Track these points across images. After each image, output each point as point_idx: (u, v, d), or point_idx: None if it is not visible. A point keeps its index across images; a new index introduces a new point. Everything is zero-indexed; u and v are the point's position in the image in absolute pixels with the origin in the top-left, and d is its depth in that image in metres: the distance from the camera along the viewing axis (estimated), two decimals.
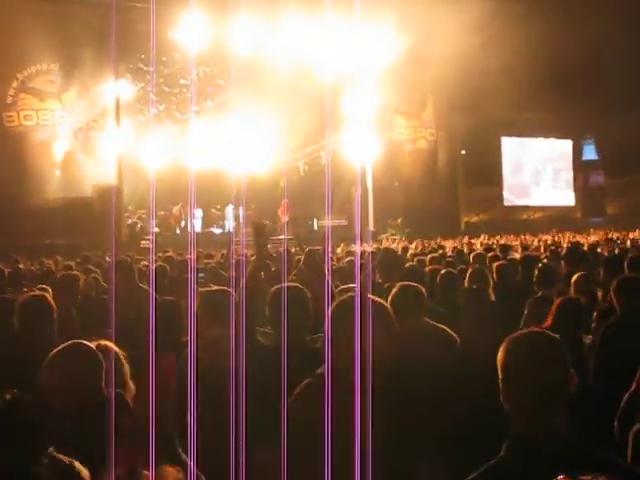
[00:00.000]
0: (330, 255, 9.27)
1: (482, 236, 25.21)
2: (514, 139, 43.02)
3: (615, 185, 42.58)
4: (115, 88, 29.74)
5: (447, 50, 28.63)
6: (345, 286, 5.83)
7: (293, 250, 12.09)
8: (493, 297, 7.64)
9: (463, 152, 38.11)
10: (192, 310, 5.08)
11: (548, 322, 5.92)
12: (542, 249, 16.86)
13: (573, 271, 8.87)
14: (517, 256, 13.15)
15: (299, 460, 3.41)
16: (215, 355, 4.57)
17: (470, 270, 8.35)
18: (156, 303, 6.81)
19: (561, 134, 44.13)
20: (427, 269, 9.59)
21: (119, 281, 8.43)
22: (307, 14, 28.85)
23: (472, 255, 11.78)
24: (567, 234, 26.60)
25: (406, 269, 9.11)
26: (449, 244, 21.99)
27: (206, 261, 13.44)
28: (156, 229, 29.11)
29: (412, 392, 3.47)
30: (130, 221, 30.79)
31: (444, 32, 28.02)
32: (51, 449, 3.01)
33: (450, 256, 13.53)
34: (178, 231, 31.79)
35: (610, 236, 22.75)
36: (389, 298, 5.13)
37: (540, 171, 43.75)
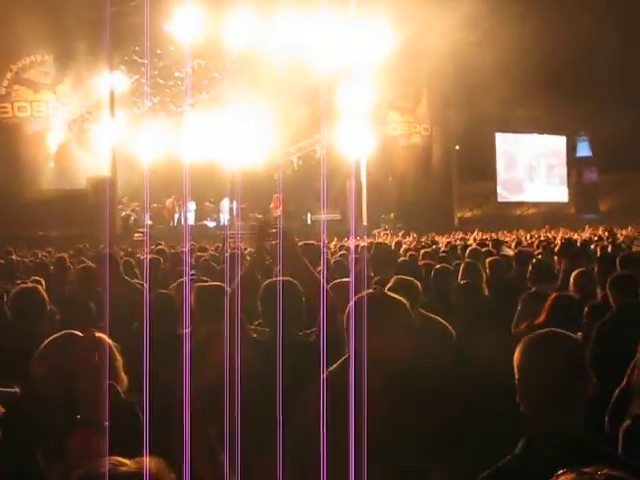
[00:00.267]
0: (324, 249, 9.27)
1: (475, 231, 25.22)
2: (508, 135, 43.05)
3: (608, 182, 42.62)
4: (109, 80, 29.68)
5: (442, 46, 28.63)
6: (338, 280, 5.81)
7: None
8: (487, 292, 7.66)
9: (457, 148, 38.12)
10: (187, 303, 5.08)
11: (541, 318, 5.93)
12: (535, 245, 16.85)
13: (567, 267, 8.89)
14: (510, 252, 13.17)
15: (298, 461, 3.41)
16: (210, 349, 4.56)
17: (463, 265, 8.36)
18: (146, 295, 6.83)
19: (555, 131, 44.16)
20: (420, 264, 9.60)
21: (103, 273, 8.48)
22: (302, 8, 28.82)
23: (466, 250, 11.77)
24: (561, 230, 26.63)
25: (399, 264, 9.12)
26: (443, 239, 21.98)
27: (199, 254, 13.41)
28: (149, 222, 29.10)
29: (410, 388, 3.46)
30: (124, 213, 30.75)
31: (439, 28, 27.99)
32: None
33: (444, 251, 13.54)
34: (172, 224, 31.76)
35: (603, 232, 22.75)
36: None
37: (534, 167, 43.80)
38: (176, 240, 20.75)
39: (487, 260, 9.22)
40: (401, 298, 3.55)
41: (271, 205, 32.85)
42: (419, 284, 5.87)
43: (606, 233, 21.75)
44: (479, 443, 3.43)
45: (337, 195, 32.52)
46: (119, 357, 4.39)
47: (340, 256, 11.26)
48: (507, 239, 20.16)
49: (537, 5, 30.17)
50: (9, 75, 28.74)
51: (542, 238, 20.71)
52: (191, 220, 31.12)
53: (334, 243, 19.35)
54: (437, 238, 22.71)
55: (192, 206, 31.37)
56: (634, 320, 5.75)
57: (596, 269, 8.25)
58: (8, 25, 27.33)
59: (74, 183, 28.83)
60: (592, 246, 14.36)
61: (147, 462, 2.05)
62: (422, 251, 12.47)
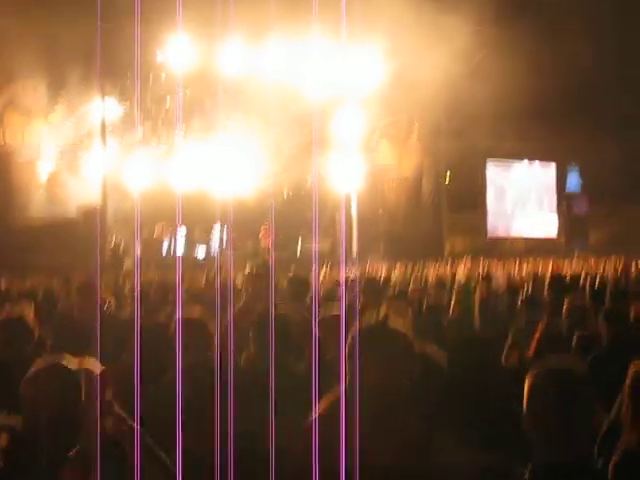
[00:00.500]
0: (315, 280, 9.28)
1: (465, 260, 25.19)
2: (498, 166, 43.15)
3: (599, 213, 42.71)
4: (101, 108, 29.70)
5: (434, 77, 28.79)
6: (328, 315, 5.80)
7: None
8: (477, 324, 7.66)
9: (448, 177, 38.18)
10: (179, 334, 5.07)
11: (531, 350, 5.94)
12: (525, 276, 16.88)
13: (556, 299, 8.89)
14: (501, 284, 13.18)
15: None
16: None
17: (454, 299, 8.37)
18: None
19: (545, 161, 44.32)
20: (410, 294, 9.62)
21: (82, 303, 8.46)
22: (294, 37, 28.96)
23: (456, 283, 11.78)
24: (550, 262, 26.65)
25: (389, 297, 9.13)
26: (432, 271, 21.99)
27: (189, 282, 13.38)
28: (139, 250, 29.03)
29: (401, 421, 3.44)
30: (113, 242, 30.67)
31: (431, 59, 28.17)
32: None
33: (432, 281, 13.55)
34: (161, 253, 31.69)
35: (593, 264, 22.81)
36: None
37: (524, 198, 43.88)
38: (165, 269, 20.72)
39: (477, 293, 9.25)
40: (401, 328, 3.54)
41: (260, 235, 32.82)
42: (410, 311, 5.89)
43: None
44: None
45: (327, 225, 32.55)
46: (109, 384, 4.38)
47: (328, 287, 11.26)
48: (497, 269, 20.18)
49: (529, 38, 30.35)
50: (0, 101, 28.73)
51: (532, 269, 20.76)
52: (180, 248, 31.04)
53: (323, 274, 19.32)
54: (427, 269, 22.71)
55: (182, 231, 31.30)
56: (626, 353, 5.75)
57: (588, 301, 8.27)
58: (0, 51, 27.39)
59: (64, 211, 28.77)
60: (582, 278, 14.38)
61: None
62: (412, 281, 12.50)
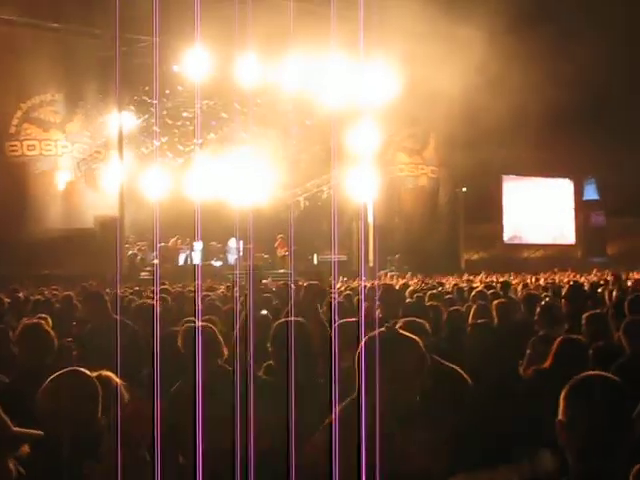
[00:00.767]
0: (334, 290, 9.28)
1: (482, 274, 25.16)
2: (515, 177, 43.12)
3: (616, 225, 42.59)
4: (118, 120, 29.83)
5: (450, 88, 28.77)
6: (343, 320, 5.80)
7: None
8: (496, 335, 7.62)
9: (464, 190, 38.15)
10: (198, 339, 5.08)
11: (548, 362, 5.89)
12: (543, 288, 16.81)
13: (574, 311, 8.84)
14: (518, 294, 13.13)
15: None
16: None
17: (474, 307, 8.33)
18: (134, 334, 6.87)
19: (562, 173, 44.25)
20: (427, 305, 9.59)
21: (90, 312, 8.48)
22: (311, 49, 29.01)
23: (473, 293, 11.74)
24: (568, 273, 26.57)
25: (406, 305, 9.10)
26: (449, 281, 21.94)
27: (205, 293, 13.38)
28: (156, 261, 29.09)
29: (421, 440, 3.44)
30: (130, 252, 30.74)
31: (448, 71, 28.17)
32: None
33: (449, 293, 13.51)
34: (178, 263, 31.72)
35: (610, 276, 22.67)
36: None
37: (541, 210, 43.77)
38: (182, 280, 20.77)
39: (494, 303, 9.18)
40: (414, 336, 3.54)
41: (275, 245, 32.84)
42: (428, 325, 5.85)
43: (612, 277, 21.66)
44: None
45: (343, 236, 32.54)
46: (127, 395, 4.40)
47: (345, 297, 11.24)
48: (514, 282, 20.09)
49: (545, 48, 30.34)
50: (19, 114, 28.90)
51: (549, 281, 20.67)
52: (198, 260, 31.07)
53: (340, 284, 19.31)
54: (443, 280, 22.67)
55: (199, 246, 31.32)
56: None
57: (609, 313, 8.23)
58: (18, 64, 27.58)
59: (82, 222, 28.92)
60: (600, 290, 14.33)
61: None
62: (429, 293, 12.46)
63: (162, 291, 12.76)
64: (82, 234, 28.14)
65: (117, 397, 4.16)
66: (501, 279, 21.15)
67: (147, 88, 30.17)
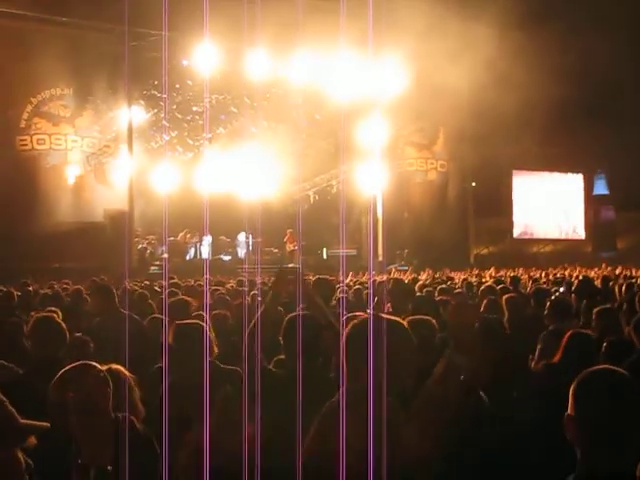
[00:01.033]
0: (343, 284, 9.28)
1: (492, 268, 25.11)
2: (525, 172, 43.06)
3: (626, 220, 42.50)
4: (128, 114, 29.87)
5: (459, 83, 28.74)
6: (352, 314, 5.82)
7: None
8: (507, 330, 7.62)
9: (474, 184, 38.12)
10: (207, 334, 5.09)
11: (558, 356, 5.88)
12: (552, 282, 16.78)
13: (585, 305, 8.84)
14: (528, 289, 13.11)
15: None
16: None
17: (485, 302, 8.32)
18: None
19: (572, 168, 44.17)
20: (437, 299, 9.60)
21: (98, 304, 8.51)
22: (320, 43, 28.98)
23: (483, 287, 11.73)
24: (578, 268, 26.51)
25: (416, 299, 9.10)
26: (458, 276, 21.91)
27: (215, 287, 13.40)
28: (165, 255, 29.16)
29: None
30: (140, 246, 30.81)
31: (457, 65, 28.13)
32: None
33: (460, 288, 13.51)
34: (188, 257, 31.79)
35: (621, 271, 22.62)
36: None
37: (551, 204, 43.70)
38: (191, 274, 20.81)
39: (504, 297, 9.18)
40: (398, 319, 3.56)
41: (285, 239, 32.87)
42: (434, 322, 5.87)
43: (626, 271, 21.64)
44: None
45: (353, 230, 32.56)
46: (136, 389, 4.42)
47: (355, 291, 11.24)
48: (523, 276, 20.06)
49: (554, 43, 30.25)
50: (29, 108, 28.95)
51: (559, 276, 20.64)
52: (206, 254, 31.12)
53: (350, 278, 19.31)
54: (452, 274, 22.64)
55: (208, 240, 31.37)
56: None
57: (624, 307, 8.22)
58: (28, 59, 27.61)
59: (91, 216, 29.00)
60: (611, 284, 14.30)
61: None
62: (438, 287, 12.47)
63: (172, 285, 12.79)
64: (92, 228, 28.22)
65: (126, 391, 4.18)
66: (511, 274, 21.14)
67: (157, 82, 30.20)
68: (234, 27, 25.13)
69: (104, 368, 4.08)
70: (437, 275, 22.16)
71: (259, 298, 8.93)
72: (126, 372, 4.38)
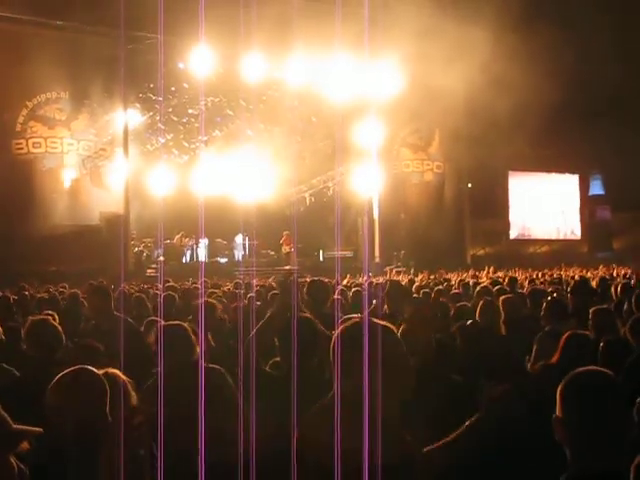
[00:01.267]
0: (338, 286, 9.28)
1: (487, 269, 25.11)
2: (521, 173, 43.10)
3: (621, 220, 42.55)
4: (124, 117, 29.86)
5: (455, 84, 28.75)
6: (348, 316, 5.82)
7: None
8: (503, 331, 7.64)
9: (470, 185, 38.15)
10: (202, 339, 5.10)
11: (556, 357, 5.88)
12: (548, 283, 16.80)
13: (581, 306, 8.83)
14: (524, 290, 13.11)
15: None
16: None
17: (481, 303, 8.31)
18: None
19: (568, 169, 44.22)
20: (433, 300, 9.63)
21: (95, 306, 8.42)
22: (316, 45, 28.99)
23: (479, 288, 11.73)
24: (574, 268, 26.54)
25: (413, 301, 9.10)
26: (455, 277, 21.92)
27: (212, 290, 13.40)
28: (162, 258, 29.16)
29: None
30: (136, 249, 30.80)
31: (452, 67, 28.14)
32: None
33: (456, 289, 13.52)
34: (184, 260, 31.78)
35: (617, 271, 22.64)
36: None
37: (546, 205, 43.74)
38: (188, 276, 20.81)
39: (501, 298, 9.18)
40: (388, 324, 3.57)
41: (281, 241, 32.88)
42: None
43: (623, 271, 21.64)
44: None
45: (349, 232, 32.59)
46: (133, 393, 4.42)
47: (354, 293, 11.25)
48: (520, 277, 20.08)
49: (550, 45, 30.29)
50: (24, 112, 28.93)
51: (555, 276, 20.65)
52: (203, 256, 31.12)
53: (346, 280, 19.32)
54: (449, 276, 22.65)
55: (204, 242, 31.37)
56: None
57: (621, 307, 8.23)
58: (24, 62, 27.60)
59: (87, 219, 28.98)
60: (607, 284, 14.29)
61: None
62: (435, 289, 12.48)
63: (169, 288, 12.79)
64: (88, 231, 28.21)
65: (121, 395, 4.18)
66: (507, 274, 21.16)
67: (152, 85, 30.19)
68: (230, 30, 25.18)
69: (100, 372, 4.08)
70: (433, 276, 22.19)
71: (257, 302, 8.93)
72: (122, 376, 4.38)
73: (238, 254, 32.64)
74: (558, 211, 44.30)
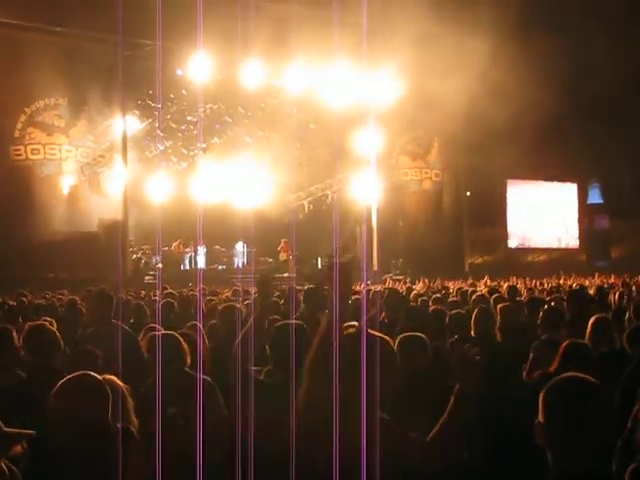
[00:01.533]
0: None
1: (486, 278, 25.09)
2: (519, 181, 43.08)
3: (620, 229, 42.56)
4: (122, 124, 29.86)
5: (454, 93, 28.76)
6: (347, 324, 5.82)
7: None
8: (499, 339, 7.63)
9: (468, 194, 38.17)
10: (200, 344, 5.10)
11: (554, 366, 5.88)
12: (547, 292, 16.79)
13: (578, 314, 8.83)
14: (522, 298, 13.11)
15: None
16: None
17: (476, 311, 8.31)
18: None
19: (566, 178, 44.22)
20: (431, 309, 9.62)
21: (95, 311, 8.34)
22: (315, 53, 29.03)
23: (474, 296, 11.73)
24: (572, 277, 26.51)
25: (410, 308, 9.11)
26: (453, 285, 21.90)
27: (210, 297, 13.39)
28: (160, 265, 29.13)
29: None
30: (134, 256, 30.77)
31: (451, 75, 28.18)
32: None
33: (454, 297, 13.51)
34: (182, 267, 31.73)
35: (615, 281, 22.63)
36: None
37: (545, 214, 43.72)
38: (186, 284, 20.78)
39: (498, 306, 9.18)
40: (383, 335, 3.59)
41: (278, 248, 32.88)
42: (425, 337, 5.88)
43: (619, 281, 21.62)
44: None
45: (347, 239, 32.55)
46: (130, 399, 4.43)
47: (354, 301, 11.23)
48: (518, 286, 20.06)
49: (548, 53, 30.34)
50: (23, 118, 28.95)
51: (553, 285, 20.64)
52: (201, 264, 31.08)
53: None
54: (447, 284, 22.64)
55: (202, 250, 31.34)
56: None
57: (611, 316, 8.23)
58: (22, 69, 27.64)
59: (86, 225, 28.97)
60: (605, 293, 14.28)
61: None
62: (433, 296, 12.48)
63: (167, 295, 12.76)
64: (86, 238, 28.20)
65: (119, 401, 4.19)
66: (503, 283, 21.15)
67: (151, 92, 30.15)
68: (228, 37, 25.18)
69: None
70: (431, 284, 22.18)
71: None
72: (120, 382, 4.39)
73: (238, 261, 32.62)
74: (557, 219, 44.25)
